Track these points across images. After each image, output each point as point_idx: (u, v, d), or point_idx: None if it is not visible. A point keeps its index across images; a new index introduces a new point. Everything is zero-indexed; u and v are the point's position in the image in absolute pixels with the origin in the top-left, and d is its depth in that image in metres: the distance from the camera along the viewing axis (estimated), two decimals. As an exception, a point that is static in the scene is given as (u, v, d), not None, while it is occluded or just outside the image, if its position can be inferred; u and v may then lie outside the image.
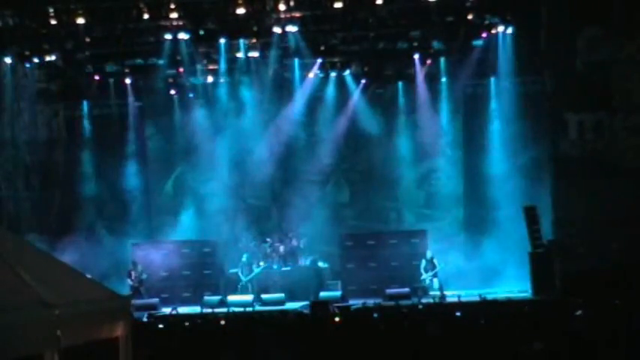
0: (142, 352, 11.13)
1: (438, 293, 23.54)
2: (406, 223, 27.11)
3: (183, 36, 25.19)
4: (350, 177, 27.81)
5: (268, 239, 25.96)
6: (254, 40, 25.77)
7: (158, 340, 13.91)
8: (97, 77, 27.10)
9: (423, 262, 24.59)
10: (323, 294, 24.13)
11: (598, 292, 17.84)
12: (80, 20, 24.18)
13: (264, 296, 24.35)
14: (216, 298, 24.40)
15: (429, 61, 26.63)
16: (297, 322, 16.25)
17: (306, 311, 19.65)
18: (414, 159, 27.13)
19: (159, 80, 27.32)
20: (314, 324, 15.88)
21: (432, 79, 26.96)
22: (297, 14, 24.68)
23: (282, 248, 26.01)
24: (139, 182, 27.74)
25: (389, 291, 24.05)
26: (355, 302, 22.01)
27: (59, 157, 27.62)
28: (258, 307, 22.91)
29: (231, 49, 26.27)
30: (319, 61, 26.59)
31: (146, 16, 24.34)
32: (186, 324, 16.69)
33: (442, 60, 26.58)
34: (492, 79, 26.64)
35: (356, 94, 27.49)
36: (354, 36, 25.79)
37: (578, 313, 14.23)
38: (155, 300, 24.34)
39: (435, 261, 24.46)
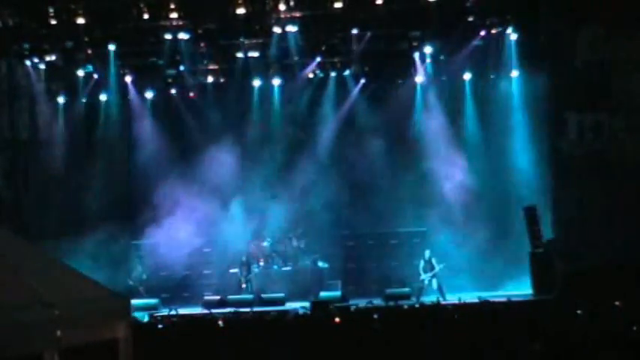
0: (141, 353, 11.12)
1: (437, 294, 23.53)
2: (406, 223, 27.09)
3: (183, 36, 25.22)
4: (350, 177, 27.77)
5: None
6: (254, 40, 25.79)
7: (158, 341, 13.90)
8: (96, 77, 27.11)
9: (422, 263, 24.59)
10: (323, 294, 24.12)
11: (598, 292, 17.83)
12: (80, 20, 24.21)
13: (264, 296, 24.37)
14: (216, 298, 24.41)
15: (428, 61, 26.63)
16: (297, 322, 16.25)
17: (306, 311, 19.64)
18: (414, 159, 27.09)
19: (159, 80, 27.33)
20: (314, 324, 15.88)
21: (431, 78, 26.95)
22: (297, 14, 24.71)
23: (282, 248, 26.05)
24: (139, 181, 27.73)
25: (389, 291, 24.05)
26: (355, 302, 21.99)
27: (59, 157, 27.58)
28: (258, 307, 22.90)
29: (232, 49, 26.29)
30: (318, 60, 26.62)
31: (146, 16, 24.35)
32: (186, 324, 16.69)
33: (442, 60, 26.57)
34: (492, 79, 26.67)
35: (356, 94, 27.49)
36: (354, 36, 25.78)
37: (579, 312, 14.23)
38: (155, 300, 24.34)
39: (434, 261, 24.44)
